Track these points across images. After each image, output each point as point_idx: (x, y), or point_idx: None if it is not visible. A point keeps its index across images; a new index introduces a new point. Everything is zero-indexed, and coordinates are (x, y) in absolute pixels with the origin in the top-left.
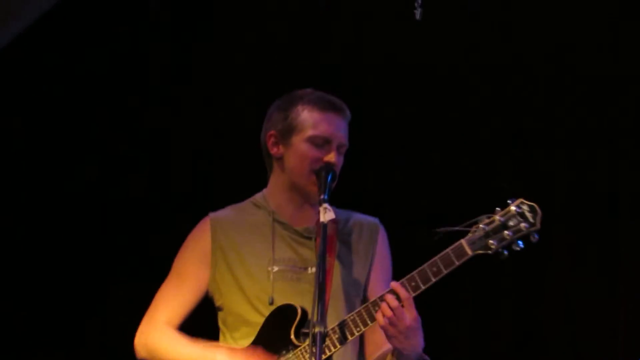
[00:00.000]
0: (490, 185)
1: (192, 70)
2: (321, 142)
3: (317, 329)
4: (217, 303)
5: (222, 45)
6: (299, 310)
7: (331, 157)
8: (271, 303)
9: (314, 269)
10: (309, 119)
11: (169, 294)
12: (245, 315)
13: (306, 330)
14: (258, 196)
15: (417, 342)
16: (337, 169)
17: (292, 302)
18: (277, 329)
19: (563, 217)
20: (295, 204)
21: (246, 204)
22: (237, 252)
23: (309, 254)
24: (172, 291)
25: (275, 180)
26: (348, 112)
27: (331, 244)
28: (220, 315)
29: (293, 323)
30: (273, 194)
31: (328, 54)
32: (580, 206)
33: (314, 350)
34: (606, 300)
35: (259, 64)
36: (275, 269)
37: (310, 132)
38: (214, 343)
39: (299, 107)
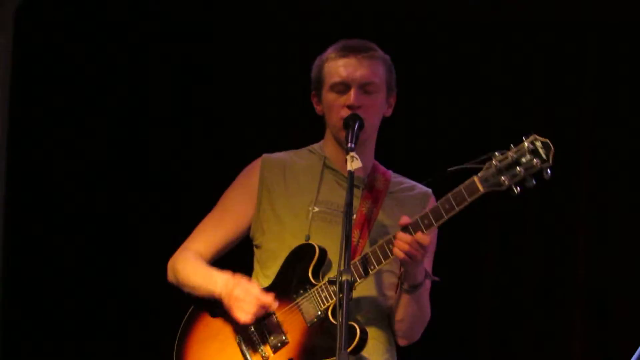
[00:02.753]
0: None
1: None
2: (342, 88)
3: (344, 277)
4: (257, 241)
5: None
6: (317, 249)
7: (349, 99)
8: (307, 240)
9: (354, 216)
10: (330, 69)
11: (209, 226)
12: (279, 251)
13: (331, 278)
14: (315, 145)
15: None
16: (365, 110)
17: (320, 242)
18: (296, 267)
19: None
20: (343, 153)
21: (302, 150)
22: (282, 190)
23: (354, 201)
24: (212, 223)
25: (326, 135)
26: (371, 51)
27: (376, 197)
28: (257, 253)
29: (311, 262)
30: (326, 143)
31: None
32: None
33: (341, 297)
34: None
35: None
36: (316, 209)
37: (329, 81)
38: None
39: (323, 61)
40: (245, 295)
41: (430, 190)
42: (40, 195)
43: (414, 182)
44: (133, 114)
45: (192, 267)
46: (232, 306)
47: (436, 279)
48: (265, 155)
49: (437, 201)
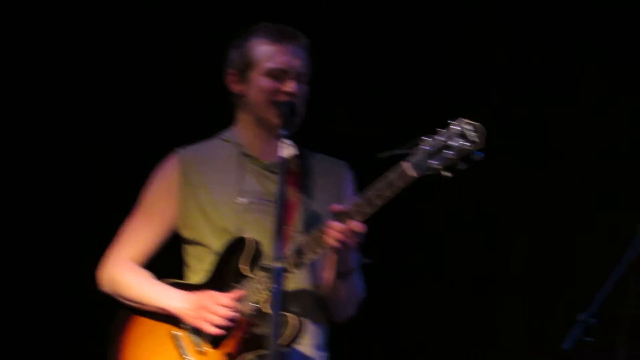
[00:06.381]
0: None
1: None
2: (278, 74)
3: (276, 264)
4: (187, 237)
5: None
6: (248, 241)
7: (289, 86)
8: (239, 233)
9: None
10: (263, 53)
11: (136, 229)
12: (214, 247)
13: (265, 265)
14: (226, 132)
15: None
16: (299, 99)
17: (252, 233)
18: (229, 261)
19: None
20: (263, 138)
21: (214, 139)
22: (206, 186)
23: (275, 187)
24: (139, 226)
25: (242, 117)
26: (304, 40)
27: (295, 179)
28: (188, 248)
29: (243, 254)
30: (241, 129)
31: None
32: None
33: (275, 286)
34: None
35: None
36: (243, 200)
37: (265, 66)
38: (173, 284)
39: (252, 42)
40: (215, 307)
41: (344, 162)
42: None
43: (326, 157)
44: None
45: (136, 280)
46: (200, 317)
47: (368, 260)
48: (179, 151)
49: (354, 179)
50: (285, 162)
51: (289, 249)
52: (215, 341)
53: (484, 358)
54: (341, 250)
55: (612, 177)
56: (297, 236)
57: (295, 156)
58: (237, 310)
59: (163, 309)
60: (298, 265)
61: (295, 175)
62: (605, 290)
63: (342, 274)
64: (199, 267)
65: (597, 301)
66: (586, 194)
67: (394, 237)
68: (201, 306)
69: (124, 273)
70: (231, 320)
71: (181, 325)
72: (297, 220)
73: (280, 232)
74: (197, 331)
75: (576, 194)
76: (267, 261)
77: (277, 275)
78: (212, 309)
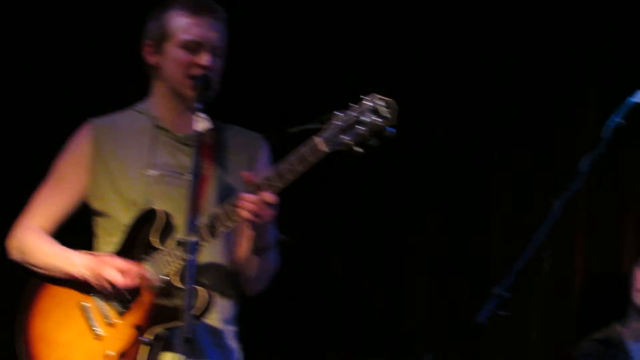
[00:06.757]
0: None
1: None
2: (193, 46)
3: (189, 238)
4: (96, 208)
5: None
6: (159, 213)
7: (203, 59)
8: (148, 205)
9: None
10: (179, 24)
11: (46, 198)
12: (122, 219)
13: (179, 239)
14: (141, 103)
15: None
16: (214, 73)
17: (161, 206)
18: (139, 233)
19: None
20: (177, 110)
21: (128, 111)
22: (117, 157)
23: (188, 160)
24: (49, 195)
25: (156, 89)
26: (221, 13)
27: (209, 152)
28: (98, 220)
29: (152, 227)
30: (155, 101)
31: None
32: None
33: (188, 259)
34: None
35: None
36: (153, 172)
37: (181, 38)
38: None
39: (169, 14)
40: (114, 274)
41: (261, 136)
42: None
43: (242, 130)
44: None
45: (42, 247)
46: (99, 283)
47: (285, 237)
48: (92, 121)
49: (270, 153)
50: (199, 135)
51: (201, 222)
52: (123, 313)
53: (398, 333)
54: (257, 225)
55: (529, 153)
56: (209, 209)
57: (210, 129)
58: (136, 277)
59: (67, 274)
60: (210, 238)
61: (210, 148)
62: (520, 264)
63: (259, 250)
64: (108, 238)
65: (511, 275)
66: (502, 170)
67: (308, 212)
68: (98, 274)
69: (32, 240)
70: (137, 291)
71: (91, 295)
72: (210, 193)
73: (194, 205)
74: (105, 303)
75: (492, 170)
76: (178, 234)
77: (191, 248)
78: (108, 275)
